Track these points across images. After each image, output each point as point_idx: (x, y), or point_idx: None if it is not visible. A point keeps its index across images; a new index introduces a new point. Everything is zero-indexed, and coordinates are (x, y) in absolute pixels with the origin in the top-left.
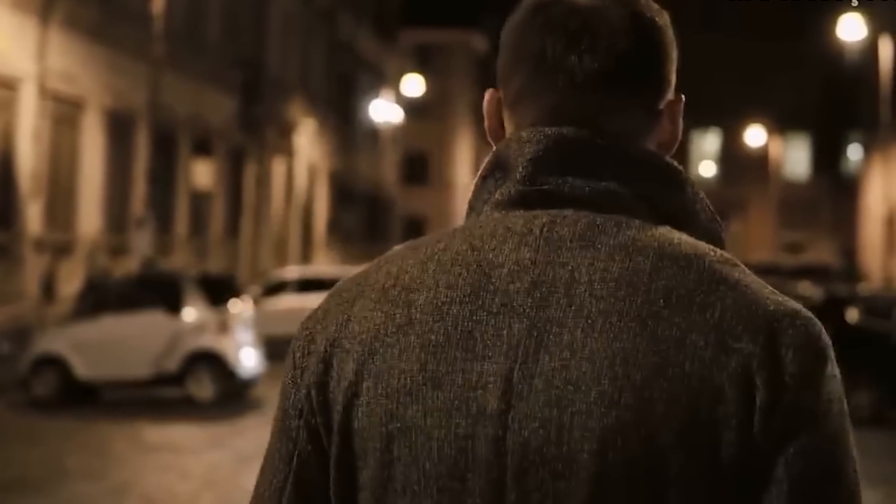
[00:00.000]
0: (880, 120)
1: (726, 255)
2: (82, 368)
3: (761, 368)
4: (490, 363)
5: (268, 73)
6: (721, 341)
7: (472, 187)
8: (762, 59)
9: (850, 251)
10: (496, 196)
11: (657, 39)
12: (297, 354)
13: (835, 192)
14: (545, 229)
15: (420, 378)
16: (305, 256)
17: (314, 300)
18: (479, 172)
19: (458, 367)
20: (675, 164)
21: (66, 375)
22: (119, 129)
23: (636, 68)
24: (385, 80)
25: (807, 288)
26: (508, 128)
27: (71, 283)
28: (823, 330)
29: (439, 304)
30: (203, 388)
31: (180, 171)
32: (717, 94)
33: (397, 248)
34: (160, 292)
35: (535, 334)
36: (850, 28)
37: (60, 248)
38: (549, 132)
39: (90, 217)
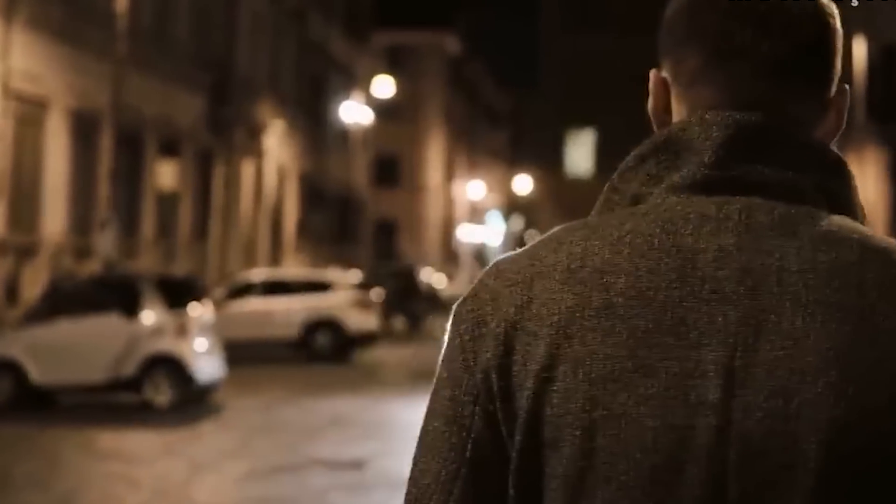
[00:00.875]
0: (853, 121)
1: None
2: (38, 373)
3: None
4: (707, 351)
5: (237, 74)
6: None
7: (620, 169)
8: None
9: None
10: (674, 179)
11: (836, 28)
12: (466, 337)
13: None
14: (743, 215)
15: (630, 365)
16: (275, 259)
17: (280, 303)
18: (635, 154)
19: (673, 355)
20: (842, 156)
21: (21, 380)
22: (84, 129)
23: (817, 57)
24: (356, 81)
25: None
26: (679, 109)
27: (35, 285)
28: None
29: (643, 288)
30: (161, 393)
31: (147, 172)
32: None
33: (565, 227)
34: (118, 295)
35: (753, 322)
36: None
37: (24, 251)
38: (739, 117)
39: (54, 219)
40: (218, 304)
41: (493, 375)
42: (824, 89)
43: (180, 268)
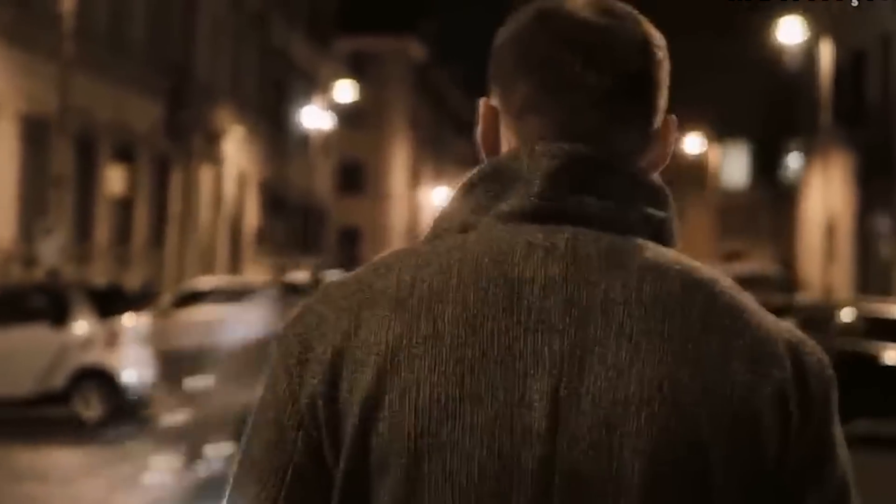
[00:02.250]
0: (820, 126)
1: (730, 279)
2: None
3: (794, 394)
4: (533, 381)
5: (195, 79)
6: (755, 367)
7: (453, 197)
8: (700, 64)
9: (788, 260)
10: (503, 208)
11: (661, 61)
12: (292, 361)
13: (774, 200)
14: (570, 246)
15: (457, 393)
16: (234, 267)
17: (230, 311)
18: (465, 181)
19: (500, 384)
20: (665, 186)
21: None
22: (34, 133)
23: (643, 89)
24: (319, 86)
25: None
26: (509, 138)
27: None
28: (826, 356)
29: (471, 317)
30: (90, 407)
31: (100, 177)
32: None
33: (394, 253)
34: (46, 304)
35: (578, 353)
36: (790, 31)
37: None
38: (567, 148)
39: (3, 226)
40: (164, 313)
41: (319, 402)
42: (651, 120)
43: (135, 275)
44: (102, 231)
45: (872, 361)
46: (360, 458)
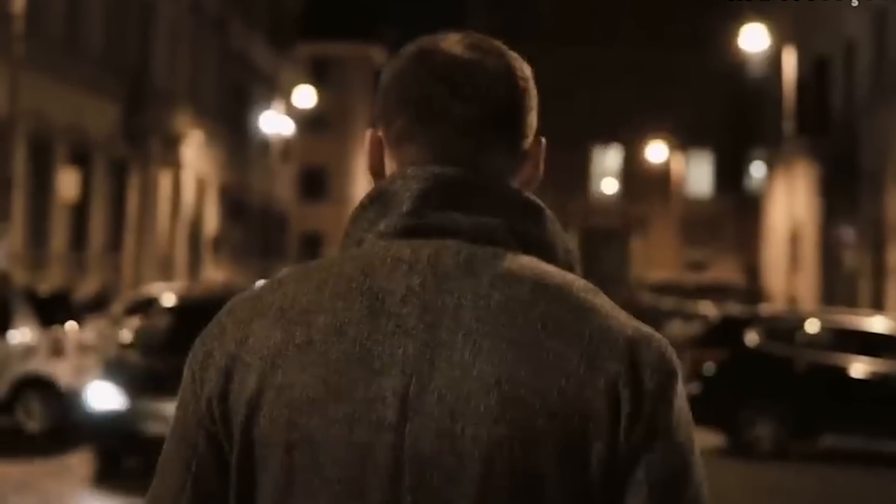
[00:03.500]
0: (783, 135)
1: (588, 284)
2: None
3: (626, 386)
4: (388, 379)
5: (153, 83)
6: (591, 362)
7: (350, 216)
8: (664, 72)
9: (752, 270)
10: (381, 227)
11: (525, 89)
12: (196, 367)
13: (738, 209)
14: (430, 258)
15: (323, 391)
16: (193, 273)
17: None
18: (360, 203)
19: (360, 383)
20: (537, 200)
21: None
22: None
23: (508, 116)
24: (279, 91)
25: (707, 307)
26: (390, 165)
27: None
28: (674, 352)
29: (338, 325)
30: (32, 417)
31: (55, 182)
32: (617, 109)
33: (287, 271)
34: None
35: (428, 354)
36: (753, 38)
37: None
38: (434, 171)
39: None
40: (116, 320)
41: (215, 402)
42: (518, 143)
43: (92, 281)
44: (58, 236)
45: (839, 374)
46: (247, 451)
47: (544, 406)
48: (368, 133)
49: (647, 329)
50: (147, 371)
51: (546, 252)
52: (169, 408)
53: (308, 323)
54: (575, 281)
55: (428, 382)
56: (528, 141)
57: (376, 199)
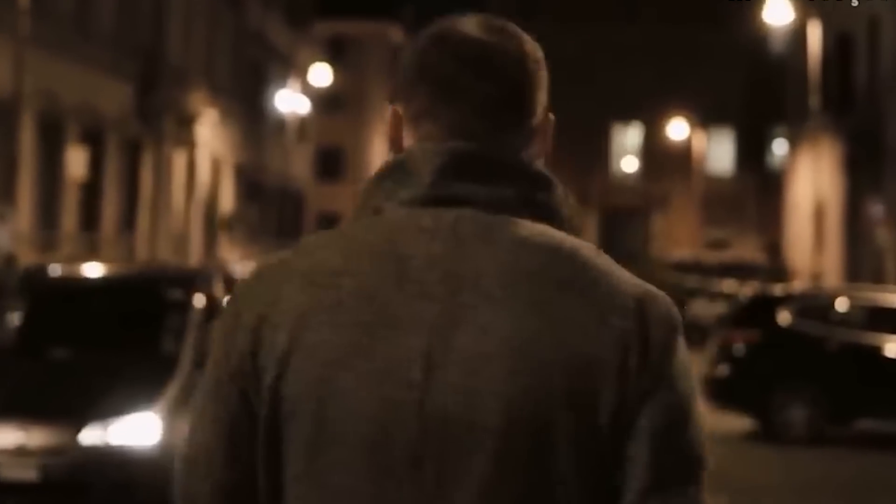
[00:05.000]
0: (809, 110)
1: (593, 247)
2: None
3: (634, 340)
4: (413, 339)
5: (167, 61)
6: (601, 319)
7: (366, 186)
8: (684, 49)
9: (776, 248)
10: (402, 196)
11: (538, 70)
12: (228, 328)
13: (760, 187)
14: (451, 226)
15: (353, 350)
16: (208, 252)
17: None
18: (376, 174)
19: (387, 343)
20: (547, 172)
21: None
22: None
23: (522, 95)
24: (296, 70)
25: (731, 286)
26: (409, 140)
27: None
28: (675, 307)
29: (365, 288)
30: None
31: (67, 161)
32: (638, 86)
33: (311, 238)
34: None
35: (450, 316)
36: (776, 13)
37: None
38: (453, 145)
39: None
40: None
41: (247, 360)
42: (529, 120)
43: (105, 262)
44: (68, 216)
45: (876, 355)
46: (277, 406)
47: (560, 361)
48: (389, 109)
49: (651, 287)
50: None
51: (556, 220)
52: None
53: (336, 286)
54: (584, 245)
55: (450, 342)
56: (539, 118)
57: (395, 170)
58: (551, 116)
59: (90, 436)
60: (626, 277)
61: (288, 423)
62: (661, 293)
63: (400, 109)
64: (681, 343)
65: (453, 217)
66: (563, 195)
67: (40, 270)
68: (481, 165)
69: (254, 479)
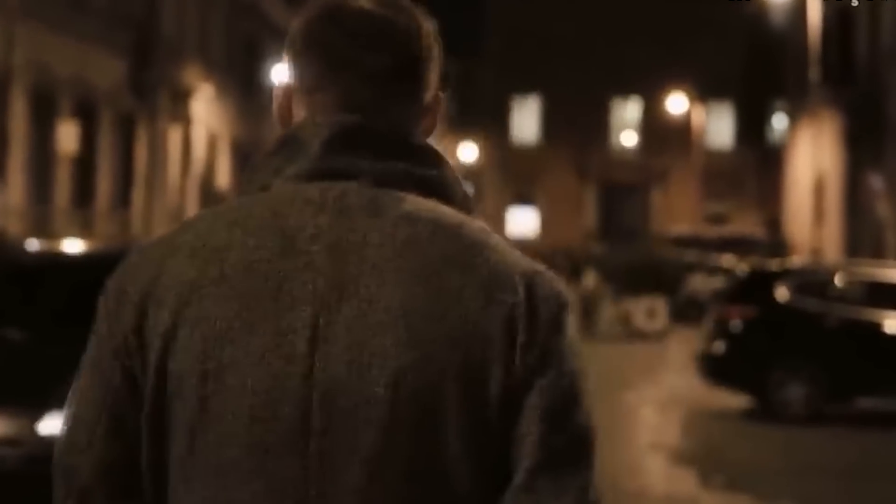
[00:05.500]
0: (809, 83)
1: (483, 224)
2: None
3: (521, 315)
4: (298, 312)
5: (161, 35)
6: (489, 294)
7: (255, 162)
8: (684, 22)
9: (775, 222)
10: (289, 171)
11: (429, 46)
12: (111, 305)
13: (759, 161)
14: (337, 199)
15: (237, 325)
16: None
17: None
18: (266, 150)
19: (271, 316)
20: (436, 147)
21: None
22: None
23: (412, 70)
24: None
25: (730, 261)
26: (299, 113)
27: None
28: (564, 285)
29: (251, 262)
30: None
31: (58, 136)
32: (637, 60)
33: (199, 212)
34: None
35: (336, 289)
36: None
37: None
38: (340, 119)
39: None
40: None
41: (131, 336)
42: (420, 96)
43: (99, 238)
44: (61, 192)
45: (877, 332)
46: (162, 382)
47: (446, 335)
48: (277, 84)
49: (539, 265)
50: None
51: (445, 196)
52: None
53: (221, 260)
54: (471, 221)
55: (336, 315)
56: (430, 94)
57: (284, 146)
58: (442, 94)
59: (50, 426)
60: (515, 256)
61: (174, 399)
62: (548, 270)
63: (290, 83)
64: (568, 321)
65: (340, 190)
66: (453, 172)
67: (5, 245)
68: (369, 139)
69: (136, 456)
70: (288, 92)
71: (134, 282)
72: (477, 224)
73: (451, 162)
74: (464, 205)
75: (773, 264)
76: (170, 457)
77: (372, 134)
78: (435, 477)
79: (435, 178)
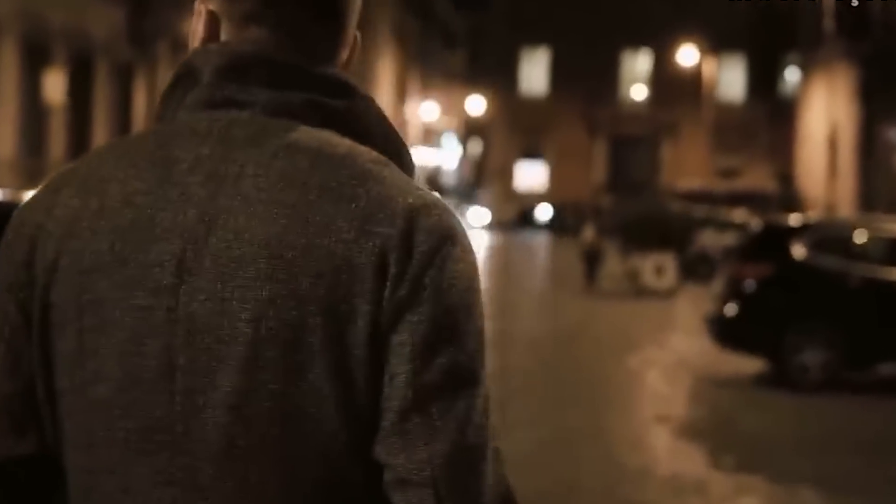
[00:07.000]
0: (823, 35)
1: (381, 157)
2: None
3: (395, 248)
4: (166, 244)
5: None
6: (363, 226)
7: (161, 95)
8: None
9: (788, 176)
10: (187, 100)
11: None
12: (10, 237)
13: (772, 114)
14: (222, 130)
15: (109, 258)
16: None
17: None
18: (171, 79)
19: (141, 248)
20: (349, 78)
21: None
22: None
23: (332, 5)
24: None
25: (742, 215)
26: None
27: None
28: (457, 220)
29: (129, 193)
30: None
31: (45, 86)
32: (647, 12)
33: (101, 145)
34: None
35: (207, 220)
36: None
37: None
38: (235, 46)
39: None
40: None
41: (22, 269)
42: (339, 34)
43: None
44: (56, 144)
45: None
46: (46, 315)
47: (311, 268)
48: (198, 5)
49: (431, 196)
50: None
51: (354, 131)
52: None
53: (103, 191)
54: (364, 152)
55: (203, 247)
56: (348, 34)
57: (184, 74)
58: (358, 35)
59: None
60: (406, 187)
61: (56, 332)
62: (441, 203)
63: (215, 8)
64: (455, 256)
65: (227, 120)
66: (372, 108)
67: None
68: (265, 68)
69: (33, 390)
70: (214, 19)
71: (31, 214)
72: (373, 155)
73: (369, 94)
74: (386, 146)
75: (790, 219)
76: (56, 391)
77: (269, 62)
78: (302, 417)
79: (343, 110)
